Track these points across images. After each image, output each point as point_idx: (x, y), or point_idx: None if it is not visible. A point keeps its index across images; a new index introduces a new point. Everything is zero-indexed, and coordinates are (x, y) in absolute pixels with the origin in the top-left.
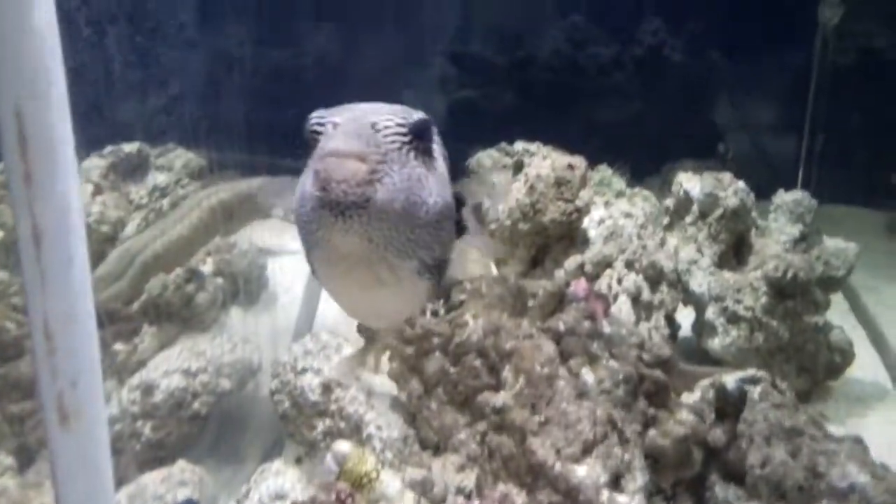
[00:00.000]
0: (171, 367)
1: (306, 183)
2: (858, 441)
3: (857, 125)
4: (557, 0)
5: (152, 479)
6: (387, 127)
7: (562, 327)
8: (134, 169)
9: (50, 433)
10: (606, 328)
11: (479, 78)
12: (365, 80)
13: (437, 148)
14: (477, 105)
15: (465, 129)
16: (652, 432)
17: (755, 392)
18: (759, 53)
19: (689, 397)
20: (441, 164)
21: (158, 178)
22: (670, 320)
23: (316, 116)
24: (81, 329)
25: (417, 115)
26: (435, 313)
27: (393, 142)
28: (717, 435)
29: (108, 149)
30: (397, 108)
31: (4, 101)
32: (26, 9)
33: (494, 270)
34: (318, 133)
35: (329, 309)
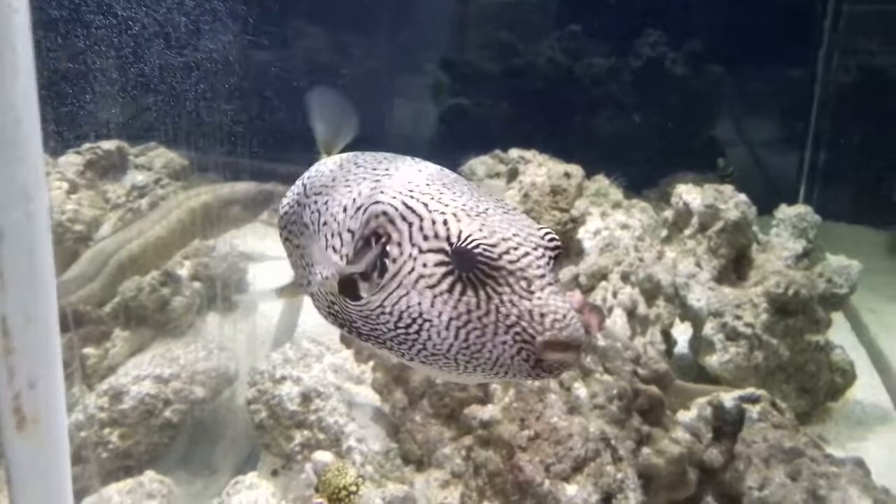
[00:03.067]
0: (143, 372)
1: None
2: (860, 464)
3: (861, 142)
4: (556, 9)
5: (118, 490)
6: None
7: None
8: (112, 167)
9: (6, 437)
10: (601, 341)
11: (474, 86)
12: (357, 85)
13: None
14: (470, 113)
15: (458, 137)
16: (646, 450)
17: (754, 411)
18: (761, 68)
19: (686, 415)
20: None
21: (137, 177)
22: (666, 335)
23: (486, 245)
24: (42, 329)
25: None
26: None
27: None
28: (714, 455)
29: (86, 146)
30: (530, 224)
31: None
32: None
33: None
34: (496, 263)
35: (312, 316)
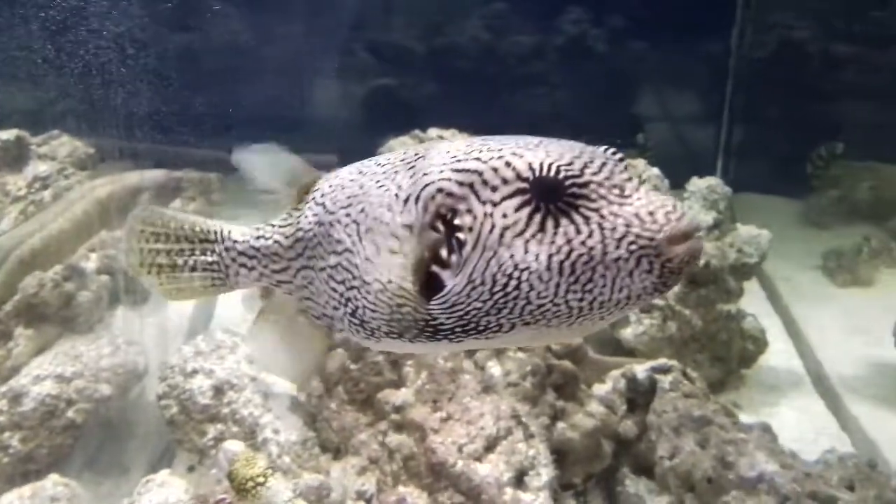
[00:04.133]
0: (43, 372)
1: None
2: (767, 429)
3: (776, 115)
4: None
5: (18, 496)
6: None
7: None
8: (12, 158)
9: None
10: None
11: (399, 66)
12: (278, 68)
13: None
14: (396, 93)
15: (384, 117)
16: (561, 425)
17: (666, 382)
18: (680, 44)
19: (601, 388)
20: None
21: (40, 167)
22: None
23: (564, 165)
24: None
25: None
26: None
27: None
28: (628, 427)
29: None
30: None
31: None
32: None
33: None
34: (582, 179)
35: (229, 305)
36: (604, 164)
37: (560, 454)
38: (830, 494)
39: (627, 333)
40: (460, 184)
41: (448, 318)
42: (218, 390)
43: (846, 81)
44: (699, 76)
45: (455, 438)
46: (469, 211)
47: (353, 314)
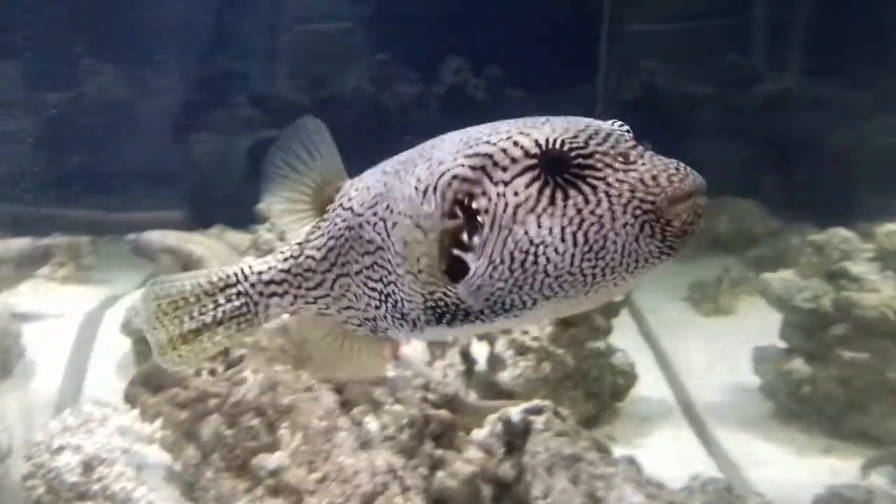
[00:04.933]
0: None
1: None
2: (632, 461)
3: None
4: (362, 39)
5: None
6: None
7: None
8: None
9: None
10: (390, 372)
11: (284, 118)
12: (157, 123)
13: None
14: None
15: None
16: (440, 474)
17: (539, 422)
18: (552, 91)
19: (480, 433)
20: None
21: None
22: (466, 356)
23: (569, 138)
24: None
25: None
26: (213, 372)
27: None
28: (506, 469)
29: None
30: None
31: None
32: None
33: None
34: (587, 150)
35: (102, 374)
36: (609, 135)
37: (440, 502)
38: None
39: (504, 377)
40: (473, 168)
41: (475, 302)
42: (87, 466)
43: (705, 121)
44: None
45: (331, 499)
46: (484, 193)
47: (393, 308)
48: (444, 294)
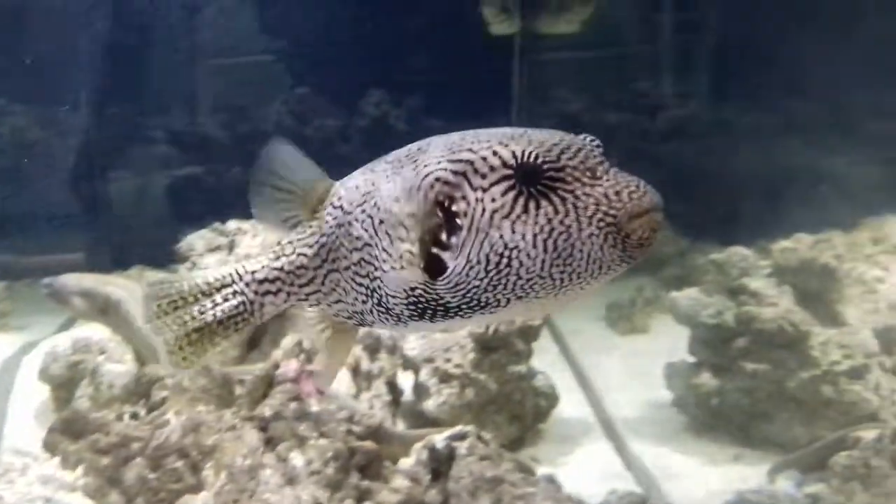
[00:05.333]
0: None
1: (588, 221)
2: (551, 480)
3: None
4: (282, 72)
5: None
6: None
7: (268, 413)
8: None
9: None
10: (314, 407)
11: (204, 154)
12: (69, 163)
13: None
14: (202, 182)
15: (190, 207)
16: None
17: (463, 447)
18: (470, 120)
19: (406, 462)
20: None
21: None
22: (392, 386)
23: (543, 152)
24: None
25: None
26: (135, 416)
27: None
28: (433, 496)
29: None
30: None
31: None
32: None
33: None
34: (559, 164)
35: (21, 423)
36: (579, 150)
37: None
38: None
39: (430, 405)
40: (455, 173)
41: (454, 297)
42: None
43: (616, 148)
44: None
45: None
46: (464, 197)
47: (379, 303)
48: (424, 290)
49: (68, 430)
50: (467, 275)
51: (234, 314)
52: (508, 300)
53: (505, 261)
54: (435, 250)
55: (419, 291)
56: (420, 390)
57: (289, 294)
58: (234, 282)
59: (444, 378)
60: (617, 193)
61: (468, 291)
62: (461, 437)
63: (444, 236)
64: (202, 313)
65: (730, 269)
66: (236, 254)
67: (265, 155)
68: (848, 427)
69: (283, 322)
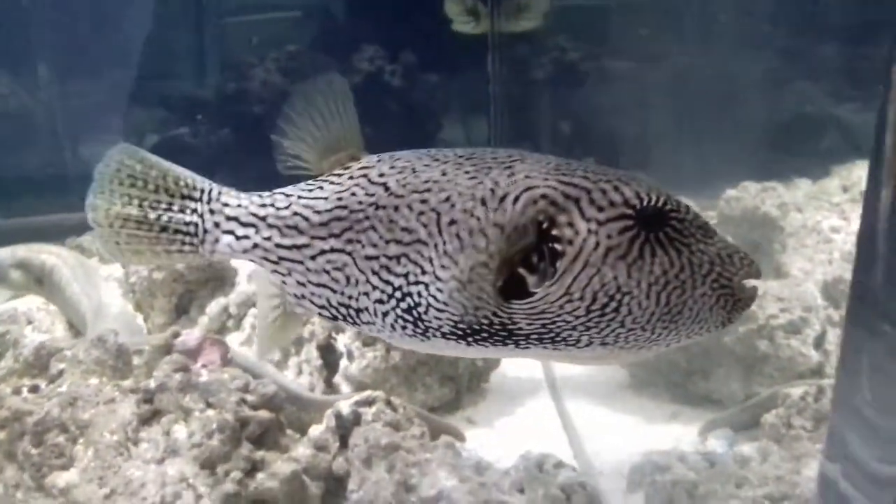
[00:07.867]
0: None
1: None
2: (450, 446)
3: (535, 139)
4: (271, 30)
5: None
6: None
7: (152, 384)
8: None
9: None
10: (203, 377)
11: (191, 115)
12: (56, 128)
13: None
14: (189, 144)
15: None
16: (260, 476)
17: (369, 413)
18: (462, 77)
19: (317, 429)
20: None
21: None
22: (326, 350)
23: (669, 200)
24: None
25: None
26: (35, 388)
27: None
28: (340, 464)
29: None
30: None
31: None
32: None
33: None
34: (683, 216)
35: None
36: (689, 206)
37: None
38: (502, 500)
39: (353, 368)
40: (566, 196)
41: (529, 325)
42: None
43: (617, 99)
44: (468, 107)
45: None
46: (570, 224)
47: (407, 311)
48: (493, 312)
49: None
50: (561, 307)
51: (181, 230)
52: (591, 342)
53: (614, 304)
54: (521, 271)
55: (483, 312)
56: (347, 354)
57: (256, 245)
58: (199, 199)
59: (368, 341)
60: (730, 256)
61: (553, 322)
62: (368, 402)
63: (535, 258)
64: (152, 207)
65: None
66: None
67: (317, 86)
68: (783, 383)
69: (214, 289)
